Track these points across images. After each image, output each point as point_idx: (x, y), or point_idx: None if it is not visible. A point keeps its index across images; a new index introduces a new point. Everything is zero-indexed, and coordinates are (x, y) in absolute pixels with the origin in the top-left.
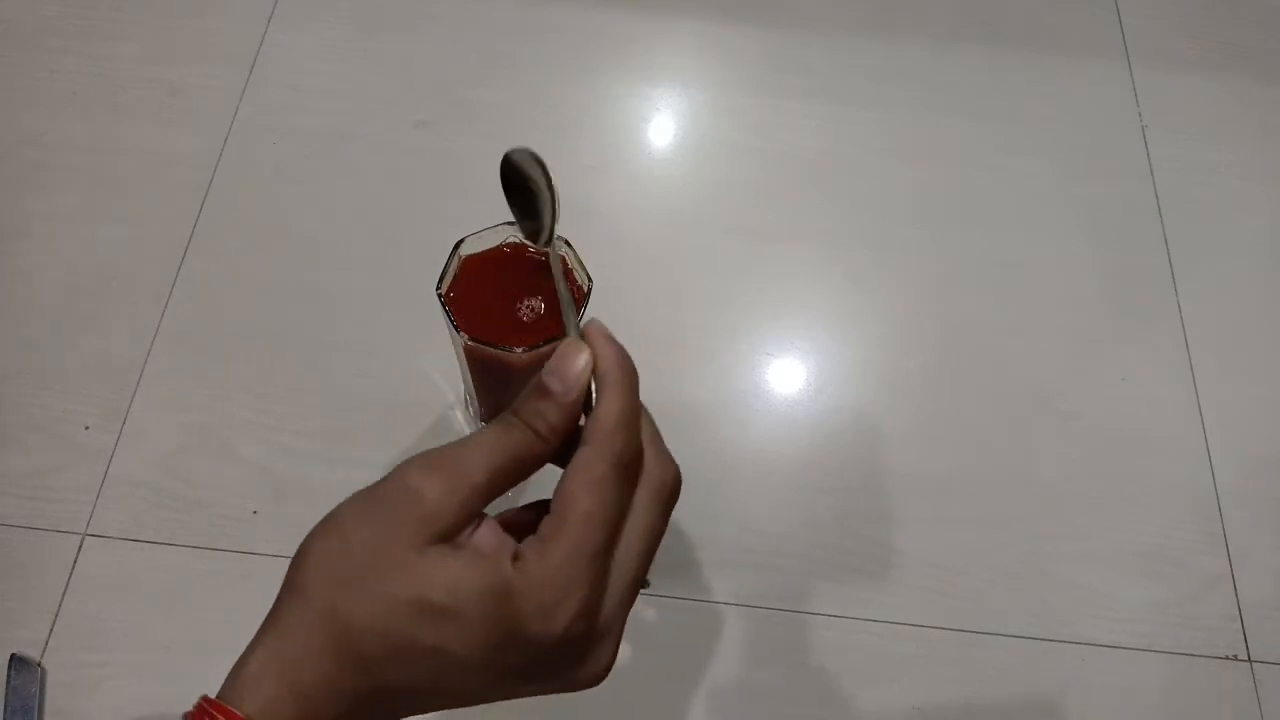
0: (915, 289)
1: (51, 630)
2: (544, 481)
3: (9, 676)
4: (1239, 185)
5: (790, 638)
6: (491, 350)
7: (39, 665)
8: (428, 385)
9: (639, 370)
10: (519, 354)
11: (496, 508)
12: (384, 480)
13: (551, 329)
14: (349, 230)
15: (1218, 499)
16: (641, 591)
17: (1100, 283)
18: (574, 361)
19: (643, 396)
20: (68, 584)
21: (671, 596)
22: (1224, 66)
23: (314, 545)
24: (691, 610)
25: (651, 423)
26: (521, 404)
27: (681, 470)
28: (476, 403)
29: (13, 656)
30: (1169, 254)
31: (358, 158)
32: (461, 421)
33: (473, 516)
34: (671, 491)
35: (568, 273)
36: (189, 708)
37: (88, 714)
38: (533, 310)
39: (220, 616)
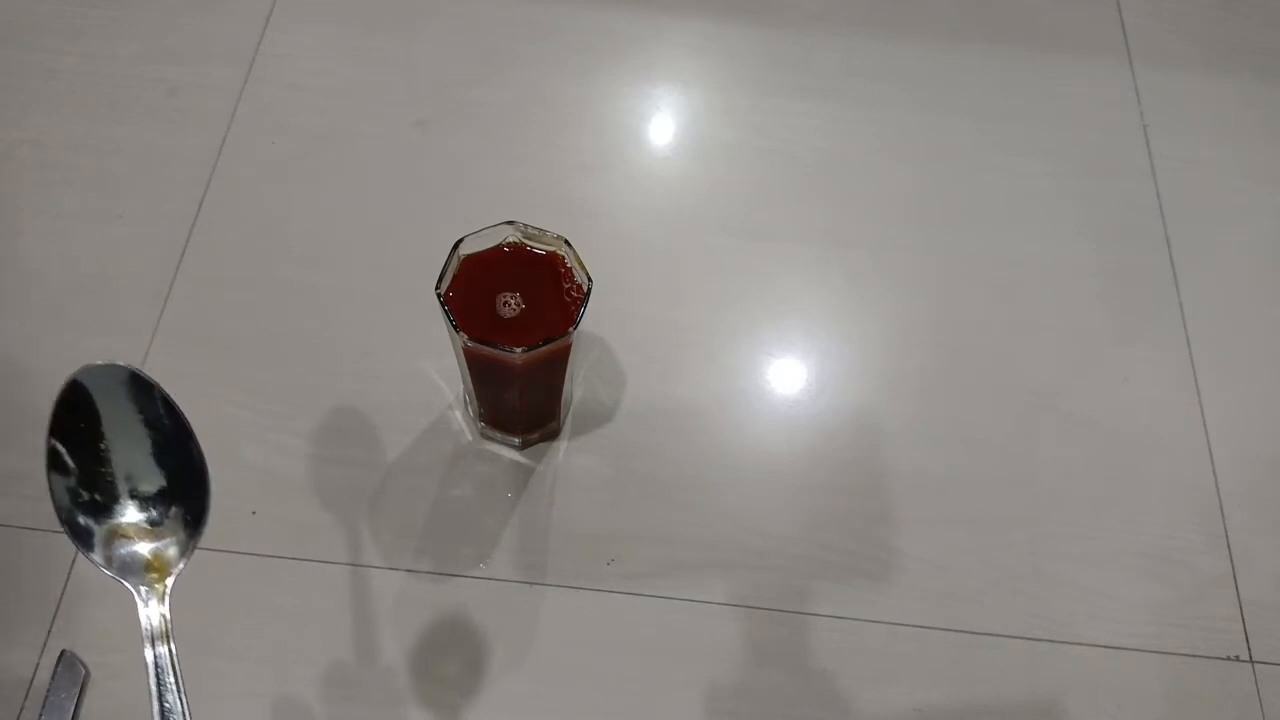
0: (916, 289)
1: (50, 630)
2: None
3: (55, 672)
4: (1241, 185)
5: (790, 638)
6: (491, 350)
7: (84, 668)
8: (427, 385)
9: (639, 369)
10: (518, 354)
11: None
12: None
13: (550, 329)
14: (348, 230)
15: (1220, 499)
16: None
17: (1101, 282)
18: None
19: (643, 396)
20: (66, 584)
21: (672, 597)
22: (1225, 66)
23: None
24: (691, 610)
25: None
26: None
27: (682, 471)
28: (476, 403)
29: (63, 653)
30: (1170, 254)
31: (357, 157)
32: (460, 422)
33: None
34: None
35: (567, 273)
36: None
37: (85, 714)
38: (532, 310)
39: (218, 617)
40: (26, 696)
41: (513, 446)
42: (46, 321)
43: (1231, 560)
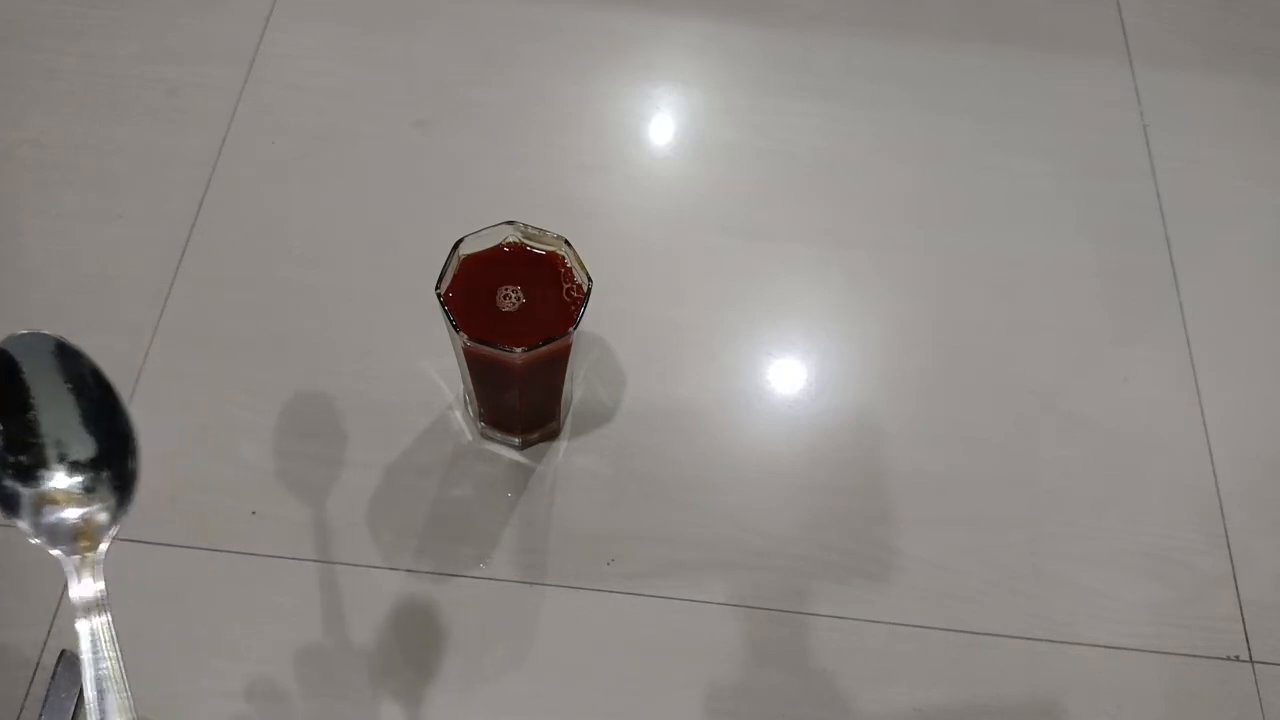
0: (916, 289)
1: (50, 630)
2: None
3: (55, 672)
4: (1240, 184)
5: (790, 638)
6: (491, 350)
7: None
8: (427, 385)
9: (639, 369)
10: (518, 354)
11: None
12: None
13: (550, 329)
14: (348, 230)
15: (1220, 499)
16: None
17: (1101, 282)
18: None
19: (644, 396)
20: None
21: (672, 597)
22: (1225, 65)
23: None
24: (691, 610)
25: None
26: None
27: (682, 471)
28: (476, 403)
29: (63, 653)
30: (1170, 254)
31: (357, 157)
32: (461, 422)
33: None
34: None
35: (567, 273)
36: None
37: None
38: (532, 310)
39: (219, 617)
40: (26, 696)
41: (513, 446)
42: (46, 321)
43: (1231, 560)
